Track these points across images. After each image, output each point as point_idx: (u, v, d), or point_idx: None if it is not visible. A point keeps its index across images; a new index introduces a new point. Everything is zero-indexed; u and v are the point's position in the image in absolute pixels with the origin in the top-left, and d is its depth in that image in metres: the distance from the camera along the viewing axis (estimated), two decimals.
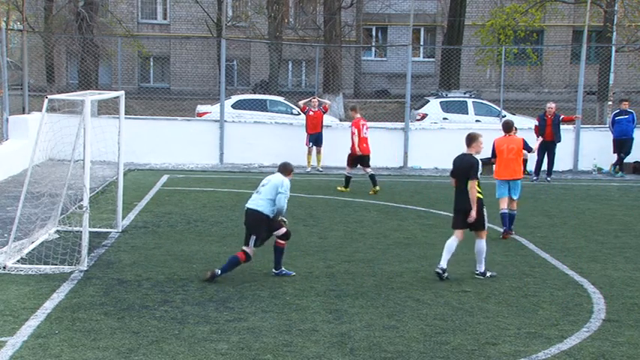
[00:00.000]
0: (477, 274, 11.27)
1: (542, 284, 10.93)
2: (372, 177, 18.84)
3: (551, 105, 21.72)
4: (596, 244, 13.70)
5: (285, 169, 11.14)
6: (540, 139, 21.21)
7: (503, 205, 14.03)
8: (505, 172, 14.00)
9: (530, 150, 14.34)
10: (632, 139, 22.77)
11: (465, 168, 11.08)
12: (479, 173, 11.09)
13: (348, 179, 18.97)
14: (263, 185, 10.99)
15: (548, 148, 21.45)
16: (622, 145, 22.77)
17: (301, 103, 22.90)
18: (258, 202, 10.87)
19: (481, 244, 11.25)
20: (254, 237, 10.87)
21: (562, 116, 21.65)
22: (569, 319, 9.38)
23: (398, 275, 11.20)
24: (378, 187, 18.64)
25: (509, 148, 13.98)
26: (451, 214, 15.89)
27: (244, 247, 10.94)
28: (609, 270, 11.84)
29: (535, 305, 9.94)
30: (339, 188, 18.91)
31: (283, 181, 10.91)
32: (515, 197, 14.10)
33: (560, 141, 21.61)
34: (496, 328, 8.98)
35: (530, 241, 13.72)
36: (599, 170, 23.47)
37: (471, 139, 11.29)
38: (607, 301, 10.16)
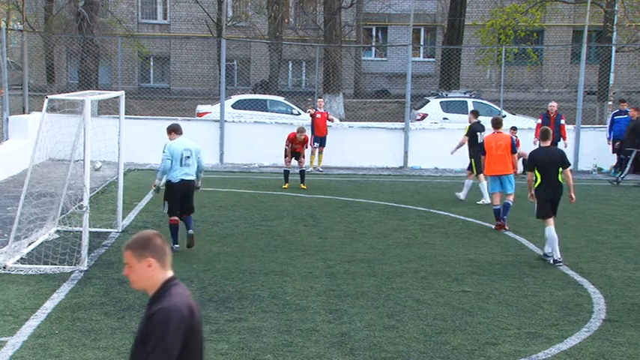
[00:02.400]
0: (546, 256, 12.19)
1: (542, 284, 10.93)
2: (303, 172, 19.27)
3: (553, 104, 21.81)
4: (596, 244, 13.69)
5: (180, 128, 12.41)
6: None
7: (497, 201, 14.58)
8: (495, 167, 14.50)
9: (515, 152, 14.75)
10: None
11: (555, 159, 11.91)
12: None
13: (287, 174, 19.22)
14: (188, 157, 12.10)
15: None
16: (621, 145, 22.74)
17: (311, 111, 22.78)
18: (193, 171, 12.19)
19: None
20: (191, 202, 12.30)
21: (563, 120, 21.65)
22: (569, 319, 9.38)
23: (398, 275, 11.20)
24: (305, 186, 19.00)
25: (497, 144, 14.44)
26: (451, 214, 16.04)
27: (181, 215, 12.23)
28: (609, 270, 11.83)
29: (535, 305, 9.94)
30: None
31: (197, 146, 12.34)
32: (509, 192, 14.59)
33: (559, 140, 21.59)
34: (496, 328, 8.98)
35: (530, 241, 13.72)
36: (599, 170, 23.46)
37: (549, 132, 12.09)
38: (607, 301, 10.15)
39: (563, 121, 21.63)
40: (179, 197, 12.08)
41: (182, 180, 12.02)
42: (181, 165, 11.98)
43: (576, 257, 12.57)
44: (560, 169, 11.91)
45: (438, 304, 9.90)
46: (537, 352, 8.27)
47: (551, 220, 12.03)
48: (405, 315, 9.41)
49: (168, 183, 12.11)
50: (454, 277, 11.13)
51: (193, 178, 12.20)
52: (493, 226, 14.65)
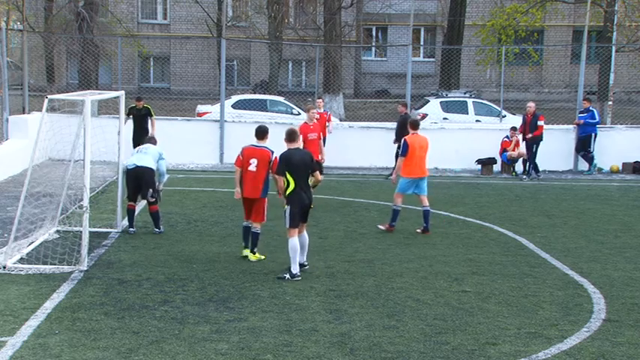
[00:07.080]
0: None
1: (542, 284, 10.93)
2: None
3: (530, 104, 21.98)
4: (596, 244, 13.69)
5: (155, 139, 14.29)
6: (519, 136, 21.76)
7: (399, 201, 14.10)
8: (415, 170, 13.96)
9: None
10: (591, 135, 23.05)
11: (307, 163, 11.07)
12: None
13: None
14: (147, 148, 13.61)
15: (527, 146, 21.65)
16: (584, 143, 23.13)
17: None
18: (147, 160, 13.37)
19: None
20: (151, 190, 13.32)
21: (542, 121, 21.50)
22: (569, 319, 9.38)
23: (398, 275, 11.20)
24: None
25: (420, 145, 14.03)
26: (451, 214, 16.04)
27: (148, 201, 13.48)
28: (609, 270, 11.83)
29: (535, 305, 9.94)
30: None
31: (160, 150, 13.72)
32: (424, 193, 14.17)
33: (538, 140, 21.51)
34: (496, 328, 8.98)
35: (530, 241, 13.72)
36: (599, 170, 23.48)
37: (296, 133, 11.64)
38: (607, 301, 10.15)
39: (541, 122, 21.50)
40: (132, 182, 13.38)
41: (136, 166, 13.28)
42: (137, 152, 13.69)
43: (576, 257, 12.57)
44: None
45: (438, 304, 9.90)
46: (537, 352, 8.27)
47: (297, 231, 10.93)
48: (405, 315, 9.41)
49: (126, 169, 13.65)
50: (454, 277, 11.13)
51: (149, 165, 13.32)
52: (382, 227, 14.20)
